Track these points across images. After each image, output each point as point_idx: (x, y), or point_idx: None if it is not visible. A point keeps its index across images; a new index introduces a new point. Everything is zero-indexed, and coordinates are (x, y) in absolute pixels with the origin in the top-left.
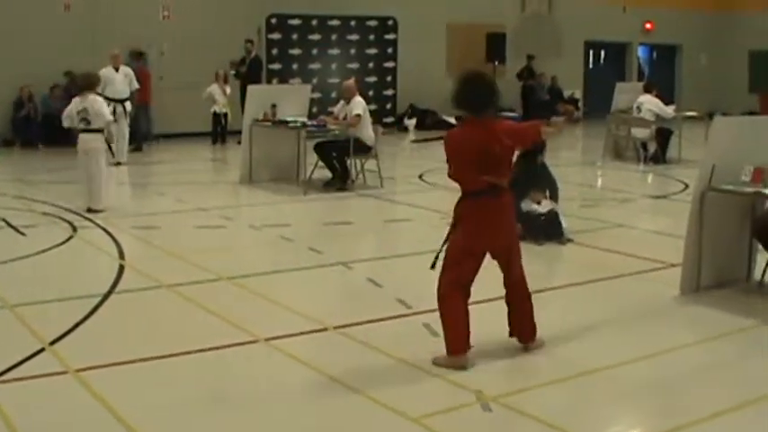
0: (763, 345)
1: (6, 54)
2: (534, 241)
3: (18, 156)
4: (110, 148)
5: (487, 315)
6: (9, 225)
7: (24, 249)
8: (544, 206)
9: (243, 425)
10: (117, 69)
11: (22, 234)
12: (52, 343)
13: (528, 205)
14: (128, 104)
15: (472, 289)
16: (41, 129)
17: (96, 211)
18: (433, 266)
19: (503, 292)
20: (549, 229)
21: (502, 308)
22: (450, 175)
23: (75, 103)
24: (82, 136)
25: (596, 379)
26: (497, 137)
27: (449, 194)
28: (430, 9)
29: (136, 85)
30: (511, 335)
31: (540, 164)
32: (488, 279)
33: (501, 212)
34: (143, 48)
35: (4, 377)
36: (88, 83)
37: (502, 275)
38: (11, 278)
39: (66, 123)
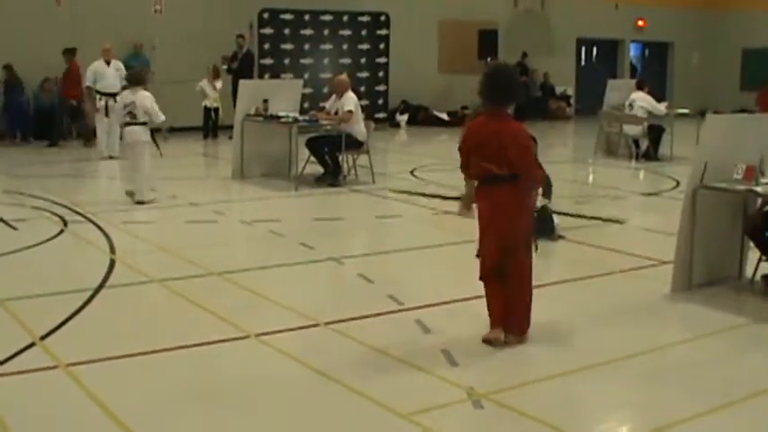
0: (754, 342)
1: None
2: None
3: (9, 149)
4: (155, 141)
5: (480, 311)
6: (0, 219)
7: (15, 244)
8: (537, 202)
9: (232, 420)
10: (108, 63)
11: (13, 228)
12: (43, 338)
13: None
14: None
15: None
16: (33, 122)
17: (142, 203)
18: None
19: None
20: (541, 226)
21: None
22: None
23: (124, 97)
24: (127, 129)
25: (587, 376)
26: (499, 134)
27: (441, 190)
28: (422, 5)
29: None
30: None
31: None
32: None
33: (499, 199)
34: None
35: None
36: (139, 78)
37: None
38: (1, 272)
39: (117, 119)
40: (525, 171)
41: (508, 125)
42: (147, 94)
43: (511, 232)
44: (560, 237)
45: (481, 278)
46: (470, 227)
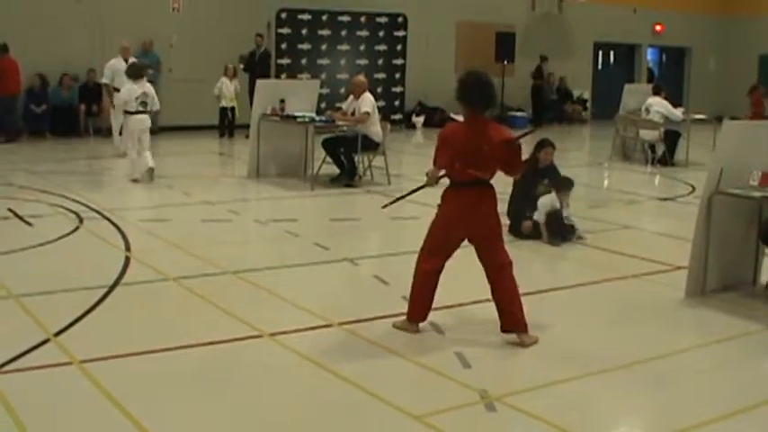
0: (767, 349)
1: (18, 44)
2: (551, 241)
3: (26, 145)
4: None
5: (494, 313)
6: (16, 215)
7: (31, 240)
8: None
9: (245, 418)
10: (126, 61)
11: (29, 224)
12: (57, 334)
13: (554, 204)
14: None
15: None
16: (50, 118)
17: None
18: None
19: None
20: (567, 231)
21: None
22: (440, 165)
23: (133, 90)
24: (140, 117)
25: (601, 380)
26: (489, 138)
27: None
28: (440, 7)
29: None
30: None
31: (550, 165)
32: None
33: (477, 203)
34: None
35: (9, 367)
36: (142, 72)
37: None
38: (17, 268)
39: (123, 108)
40: (516, 167)
41: (493, 131)
42: (149, 85)
43: (497, 240)
44: (580, 238)
45: (426, 271)
46: None
